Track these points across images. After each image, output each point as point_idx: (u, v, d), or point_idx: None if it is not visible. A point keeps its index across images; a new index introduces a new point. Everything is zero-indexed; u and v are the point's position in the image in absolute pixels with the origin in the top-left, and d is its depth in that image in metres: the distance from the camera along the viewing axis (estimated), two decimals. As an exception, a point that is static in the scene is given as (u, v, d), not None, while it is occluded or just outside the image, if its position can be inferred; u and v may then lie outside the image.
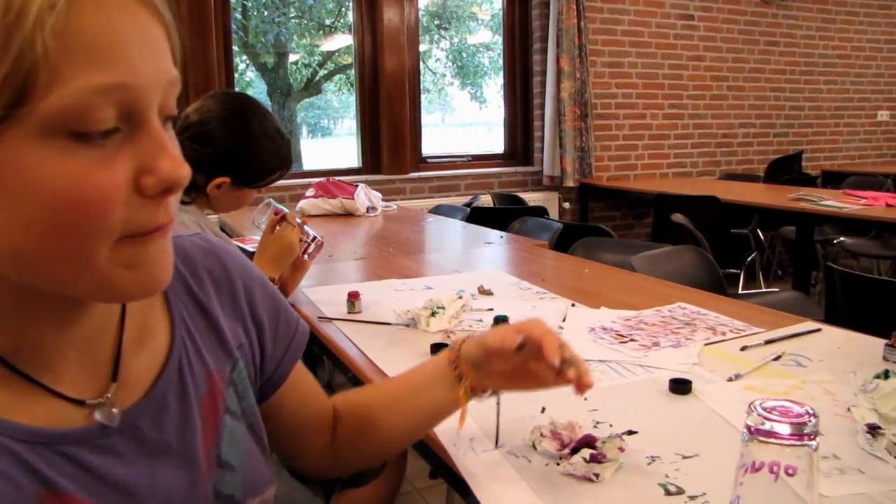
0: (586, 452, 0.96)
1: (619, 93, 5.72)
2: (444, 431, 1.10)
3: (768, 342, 1.54)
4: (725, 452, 1.05)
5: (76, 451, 0.67)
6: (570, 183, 5.43)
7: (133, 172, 0.61)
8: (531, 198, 5.19)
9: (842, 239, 5.16)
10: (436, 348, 1.48)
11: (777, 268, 6.30)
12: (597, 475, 0.96)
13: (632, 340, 1.55)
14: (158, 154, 0.62)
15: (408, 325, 1.68)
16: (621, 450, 0.99)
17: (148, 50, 0.60)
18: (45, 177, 0.56)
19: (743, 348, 1.50)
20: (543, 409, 1.19)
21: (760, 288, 5.38)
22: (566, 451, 0.99)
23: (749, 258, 4.92)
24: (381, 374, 1.38)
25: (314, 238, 1.94)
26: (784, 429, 0.70)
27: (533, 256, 2.62)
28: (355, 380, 1.45)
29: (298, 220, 1.92)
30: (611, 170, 5.80)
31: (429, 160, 5.37)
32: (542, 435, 1.03)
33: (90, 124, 0.57)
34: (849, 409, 1.15)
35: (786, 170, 6.18)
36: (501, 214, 3.86)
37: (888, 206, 3.98)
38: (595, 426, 1.14)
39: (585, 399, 1.24)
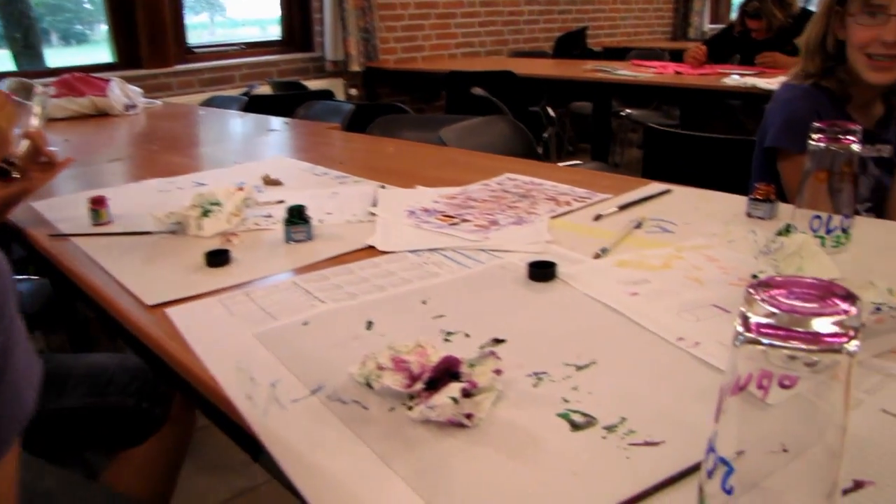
0: (454, 387, 0.64)
1: (401, -33, 5.31)
2: (233, 381, 0.74)
3: (622, 208, 1.29)
4: (629, 352, 0.78)
5: None
6: (355, 67, 5.02)
7: None
8: (314, 85, 4.73)
9: (629, 111, 5.17)
10: (212, 257, 1.09)
11: (568, 144, 6.31)
12: (469, 416, 0.64)
13: (464, 221, 1.24)
14: None
15: (174, 232, 1.26)
16: (497, 372, 0.68)
17: None
18: None
19: (597, 218, 1.24)
20: (370, 324, 0.86)
21: (557, 164, 5.32)
22: (418, 385, 0.67)
23: (546, 135, 4.80)
24: (139, 303, 0.98)
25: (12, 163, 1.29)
26: (824, 325, 0.41)
27: (326, 140, 2.23)
28: (105, 316, 1.04)
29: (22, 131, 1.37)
30: (398, 52, 5.43)
31: (196, 51, 4.72)
32: (379, 367, 0.69)
33: None
34: (754, 277, 0.91)
35: (572, 46, 6.15)
36: (283, 102, 3.42)
37: (677, 73, 3.97)
38: (447, 339, 0.82)
39: (424, 303, 0.92)
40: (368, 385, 0.71)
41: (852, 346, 0.42)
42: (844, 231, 1.06)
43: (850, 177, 1.06)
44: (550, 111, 5.30)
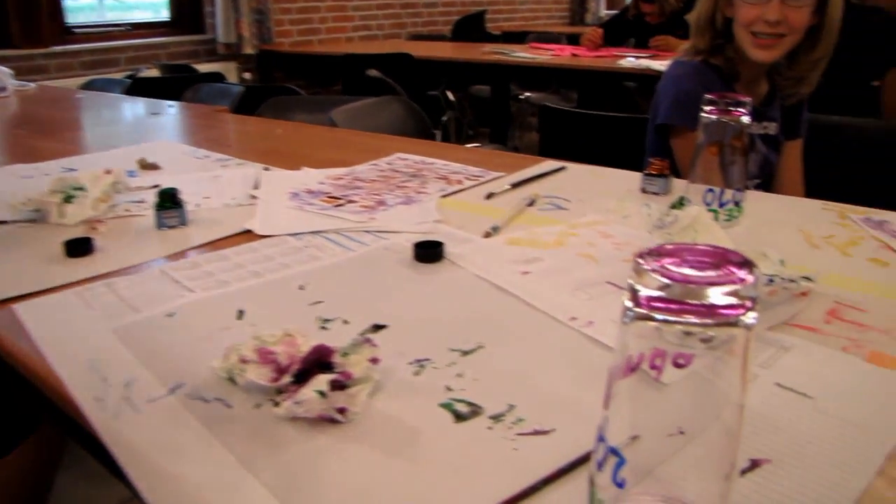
0: (322, 380, 0.58)
1: (293, -53, 5.16)
2: (81, 382, 0.66)
3: (515, 186, 1.25)
4: (519, 335, 0.73)
5: None
6: (248, 50, 4.85)
7: None
8: (206, 69, 4.54)
9: (528, 94, 5.18)
10: (72, 246, 0.99)
11: (468, 128, 6.29)
12: (343, 411, 0.58)
13: (350, 202, 1.17)
14: None
15: (34, 221, 1.15)
16: (374, 361, 0.62)
17: None
18: None
19: (488, 196, 1.20)
20: (242, 314, 0.79)
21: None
22: (286, 379, 0.60)
23: (445, 119, 4.76)
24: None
25: None
26: (719, 296, 0.37)
27: (212, 123, 2.12)
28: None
29: None
30: (293, 35, 5.29)
31: (77, 31, 4.46)
32: (242, 360, 0.62)
33: None
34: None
35: (471, 30, 6.12)
36: (171, 86, 3.25)
37: (574, 55, 4.00)
38: (323, 327, 0.75)
39: (302, 289, 0.85)
40: (232, 380, 0.63)
41: (749, 318, 0.38)
42: (737, 204, 1.05)
43: (741, 150, 1.04)
44: (450, 95, 5.27)
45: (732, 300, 0.37)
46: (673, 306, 0.38)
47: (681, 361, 0.41)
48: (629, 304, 0.39)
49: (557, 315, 0.76)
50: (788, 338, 0.73)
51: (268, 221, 1.10)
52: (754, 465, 0.53)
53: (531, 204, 1.15)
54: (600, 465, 0.43)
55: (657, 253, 0.40)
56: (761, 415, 0.59)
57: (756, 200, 1.17)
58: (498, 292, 0.83)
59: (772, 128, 1.62)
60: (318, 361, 0.61)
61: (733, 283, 0.37)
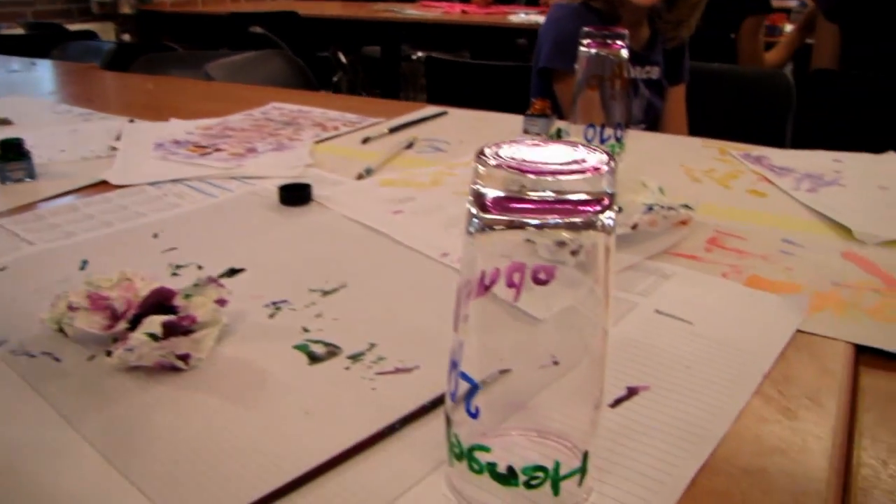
0: (154, 321, 0.52)
1: None
2: None
3: (393, 131, 1.20)
4: (386, 272, 0.69)
5: None
6: (126, 10, 4.61)
7: None
8: (80, 30, 4.28)
9: (419, 54, 5.12)
10: None
11: (360, 89, 6.18)
12: (185, 358, 0.53)
13: (217, 151, 1.10)
14: None
15: None
16: (221, 303, 0.57)
17: None
18: None
19: (365, 140, 1.14)
20: (85, 264, 0.71)
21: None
22: (122, 326, 0.54)
23: (336, 79, 4.65)
24: None
25: None
26: (573, 186, 0.33)
27: (78, 79, 1.98)
28: None
29: None
30: (174, -7, 5.04)
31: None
32: (71, 307, 0.56)
33: None
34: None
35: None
36: (38, 43, 3.04)
37: (463, 12, 3.96)
38: (175, 273, 0.69)
39: (155, 237, 0.78)
40: (63, 332, 0.57)
41: (607, 217, 0.35)
42: (618, 140, 1.03)
43: (621, 85, 1.02)
44: (342, 57, 5.15)
45: (586, 196, 0.33)
46: (522, 205, 0.34)
47: (542, 276, 0.37)
48: (474, 209, 0.35)
49: (428, 252, 0.72)
50: (669, 266, 0.71)
51: (125, 171, 1.01)
52: (632, 392, 0.51)
53: (409, 146, 1.10)
54: (454, 397, 0.39)
55: (501, 148, 0.36)
56: (640, 342, 0.57)
57: (638, 139, 1.16)
58: (367, 232, 0.78)
59: (654, 72, 1.62)
60: (159, 305, 0.55)
61: (586, 172, 0.33)
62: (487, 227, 0.35)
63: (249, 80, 1.95)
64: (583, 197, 0.34)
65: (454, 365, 0.39)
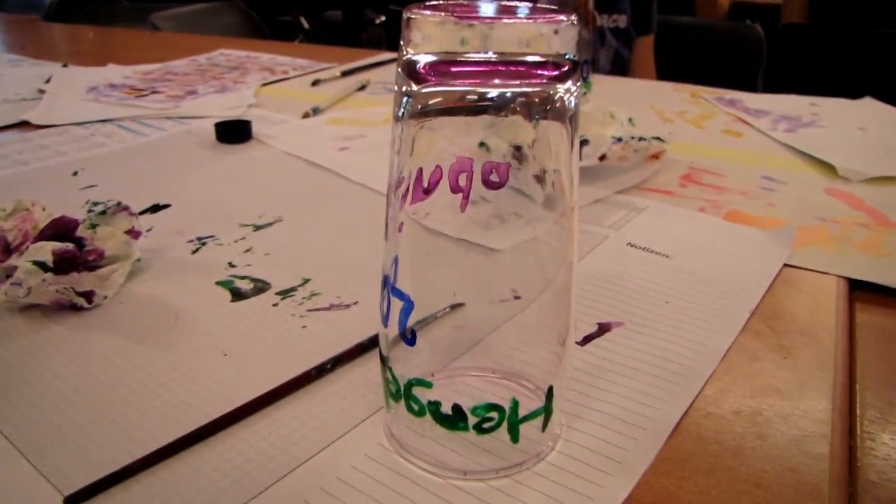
0: (43, 248, 0.44)
1: None
2: None
3: (345, 74, 1.12)
4: (327, 206, 0.62)
5: None
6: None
7: None
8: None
9: (382, 18, 5.00)
10: None
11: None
12: (88, 296, 0.45)
13: (154, 93, 1.02)
14: None
15: None
16: (134, 235, 0.49)
17: None
18: None
19: (315, 83, 1.07)
20: (-11, 202, 0.63)
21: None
22: (14, 260, 0.47)
23: (297, 41, 4.53)
24: None
25: None
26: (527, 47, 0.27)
27: (14, 28, 1.87)
28: None
29: None
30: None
31: None
32: (-48, 238, 0.48)
33: None
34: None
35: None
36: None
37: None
38: (91, 211, 0.61)
39: (75, 174, 0.70)
40: (-52, 270, 0.49)
41: (571, 86, 0.28)
42: (585, 79, 0.96)
43: (584, 19, 0.95)
44: (304, 21, 5.02)
45: (543, 58, 0.27)
46: (463, 68, 0.27)
47: (494, 179, 0.30)
48: (405, 86, 0.29)
49: (374, 185, 0.66)
50: (641, 199, 0.65)
51: (50, 112, 0.93)
52: (603, 329, 0.45)
53: (362, 88, 1.03)
54: (385, 319, 0.32)
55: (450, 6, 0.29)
56: (611, 276, 0.51)
57: (605, 83, 1.10)
58: (308, 168, 0.71)
59: (622, 20, 1.56)
60: (60, 237, 0.47)
61: (538, 20, 0.27)
62: (422, 107, 0.29)
63: (199, 32, 1.85)
64: (537, 59, 0.27)
65: (385, 281, 0.33)
